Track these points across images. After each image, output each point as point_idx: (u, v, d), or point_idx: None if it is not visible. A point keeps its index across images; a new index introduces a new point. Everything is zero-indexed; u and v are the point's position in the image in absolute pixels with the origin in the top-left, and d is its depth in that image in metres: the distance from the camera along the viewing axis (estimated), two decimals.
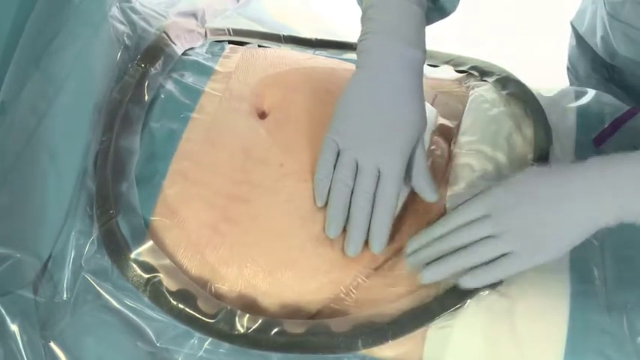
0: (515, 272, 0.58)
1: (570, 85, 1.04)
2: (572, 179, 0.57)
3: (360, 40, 0.65)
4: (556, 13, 1.01)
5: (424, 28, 0.66)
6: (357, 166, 0.63)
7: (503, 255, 0.57)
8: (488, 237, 0.58)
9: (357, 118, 0.64)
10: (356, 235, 0.63)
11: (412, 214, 0.67)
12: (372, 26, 0.64)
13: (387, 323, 0.59)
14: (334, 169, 0.64)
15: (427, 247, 0.61)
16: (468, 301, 0.60)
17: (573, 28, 0.98)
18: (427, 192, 0.65)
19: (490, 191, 0.60)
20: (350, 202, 0.63)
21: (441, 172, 0.70)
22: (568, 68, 1.04)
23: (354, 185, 0.63)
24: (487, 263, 0.58)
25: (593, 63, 0.95)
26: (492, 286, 0.60)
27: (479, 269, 0.58)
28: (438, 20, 0.72)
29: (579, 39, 0.97)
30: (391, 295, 0.62)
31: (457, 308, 0.60)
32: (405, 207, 0.66)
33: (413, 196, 0.66)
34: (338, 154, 0.64)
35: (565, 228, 0.56)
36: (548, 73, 1.04)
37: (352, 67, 0.78)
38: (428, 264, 0.60)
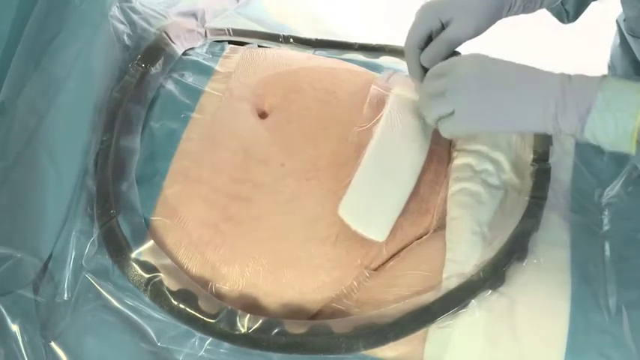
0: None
1: None
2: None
3: None
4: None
5: None
6: None
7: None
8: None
9: None
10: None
11: (414, 213, 0.67)
12: None
13: (388, 324, 0.59)
14: None
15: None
16: (471, 302, 0.60)
17: (618, 26, 0.96)
18: None
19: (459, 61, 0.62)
20: None
21: (442, 171, 0.71)
22: (609, 66, 1.02)
23: None
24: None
25: (634, 64, 0.93)
26: (493, 286, 0.61)
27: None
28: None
29: (623, 39, 0.95)
30: (392, 296, 0.63)
31: (458, 310, 0.60)
32: (408, 207, 0.66)
33: (416, 193, 0.67)
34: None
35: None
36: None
37: (352, 67, 0.79)
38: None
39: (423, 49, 0.68)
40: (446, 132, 0.62)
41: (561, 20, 0.77)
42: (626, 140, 0.56)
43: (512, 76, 0.59)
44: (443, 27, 0.67)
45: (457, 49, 0.69)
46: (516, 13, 0.71)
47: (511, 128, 0.60)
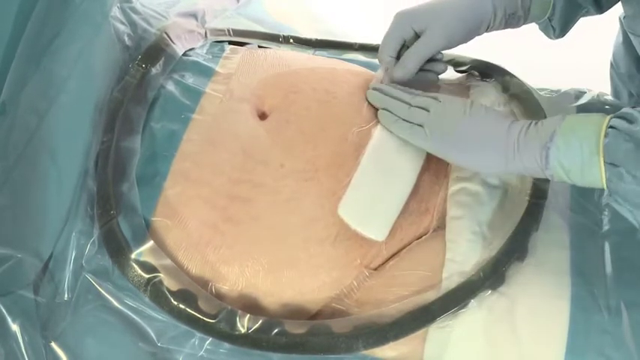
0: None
1: (612, 82, 1.02)
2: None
3: None
4: None
5: None
6: None
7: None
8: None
9: None
10: None
11: (414, 213, 0.67)
12: None
13: (388, 324, 0.59)
14: None
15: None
16: (471, 302, 0.60)
17: (621, 24, 0.94)
18: None
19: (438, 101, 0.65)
20: None
21: (442, 171, 0.71)
22: (611, 65, 1.02)
23: None
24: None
25: (637, 62, 0.93)
26: (493, 286, 0.61)
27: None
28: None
29: (625, 36, 0.94)
30: (392, 296, 0.63)
31: (458, 310, 0.60)
32: (407, 206, 0.66)
33: (415, 192, 0.67)
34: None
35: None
36: (549, 73, 1.04)
37: (352, 67, 0.79)
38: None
39: (397, 58, 0.70)
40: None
41: (548, 36, 0.77)
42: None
43: (476, 131, 0.61)
44: (417, 36, 0.68)
45: (440, 53, 0.71)
46: (498, 29, 0.71)
47: (474, 168, 0.64)
